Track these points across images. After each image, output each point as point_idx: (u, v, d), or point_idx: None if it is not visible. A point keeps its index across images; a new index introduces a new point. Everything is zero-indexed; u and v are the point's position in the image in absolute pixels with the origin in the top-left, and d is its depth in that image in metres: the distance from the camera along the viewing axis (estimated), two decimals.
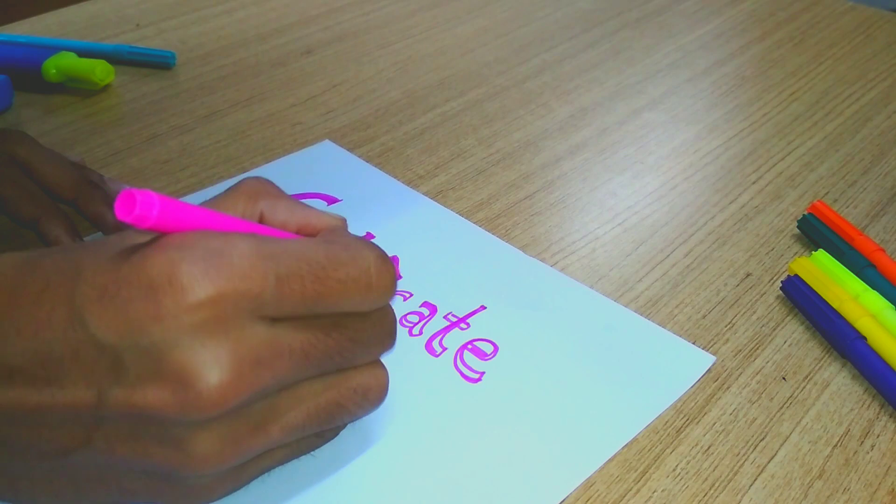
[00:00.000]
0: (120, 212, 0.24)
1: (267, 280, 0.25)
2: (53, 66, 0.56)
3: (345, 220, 0.31)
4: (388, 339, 0.30)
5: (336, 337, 0.27)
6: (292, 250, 0.26)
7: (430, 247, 0.44)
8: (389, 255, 0.41)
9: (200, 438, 0.25)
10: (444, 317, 0.39)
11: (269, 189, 0.31)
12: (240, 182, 0.31)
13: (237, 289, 0.25)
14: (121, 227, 0.42)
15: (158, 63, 0.60)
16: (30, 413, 0.25)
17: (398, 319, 0.39)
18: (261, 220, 0.30)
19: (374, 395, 0.29)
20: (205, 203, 0.29)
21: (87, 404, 0.25)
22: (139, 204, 0.24)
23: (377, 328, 0.29)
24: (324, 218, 0.31)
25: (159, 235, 0.26)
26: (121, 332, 0.24)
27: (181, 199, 0.26)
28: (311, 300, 0.26)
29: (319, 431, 0.29)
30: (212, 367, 0.24)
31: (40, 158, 0.43)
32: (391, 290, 0.28)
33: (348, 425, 0.32)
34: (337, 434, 0.32)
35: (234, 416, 0.26)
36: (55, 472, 0.27)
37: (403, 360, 0.37)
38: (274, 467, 0.30)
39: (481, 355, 0.37)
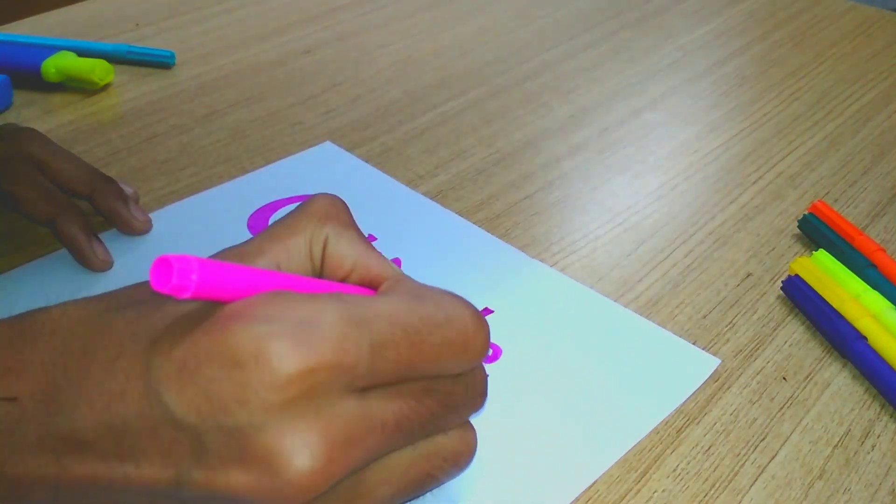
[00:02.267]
0: (156, 281, 0.22)
1: (361, 350, 0.23)
2: (53, 65, 0.56)
3: (401, 272, 0.29)
4: (480, 399, 0.28)
5: (429, 404, 0.26)
6: (384, 314, 0.24)
7: (431, 249, 0.44)
8: (392, 256, 0.42)
9: None
10: None
11: (339, 214, 0.29)
12: (312, 199, 0.29)
13: (330, 363, 0.23)
14: (133, 224, 0.44)
15: (158, 63, 0.60)
16: (103, 488, 0.24)
17: None
18: (324, 247, 0.28)
19: (464, 460, 0.28)
20: (275, 224, 0.28)
21: (166, 481, 0.23)
22: (176, 272, 0.21)
23: (469, 389, 0.27)
24: (385, 265, 0.28)
25: (240, 302, 0.24)
26: (202, 413, 0.22)
27: (216, 258, 0.24)
28: (406, 367, 0.24)
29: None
30: (302, 451, 0.22)
31: (54, 156, 0.43)
32: (486, 349, 0.27)
33: None
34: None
35: (322, 499, 0.24)
36: None
37: None
38: None
39: (486, 359, 0.37)
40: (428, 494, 0.31)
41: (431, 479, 0.27)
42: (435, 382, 0.26)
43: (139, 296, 0.26)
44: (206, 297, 0.23)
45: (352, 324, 0.23)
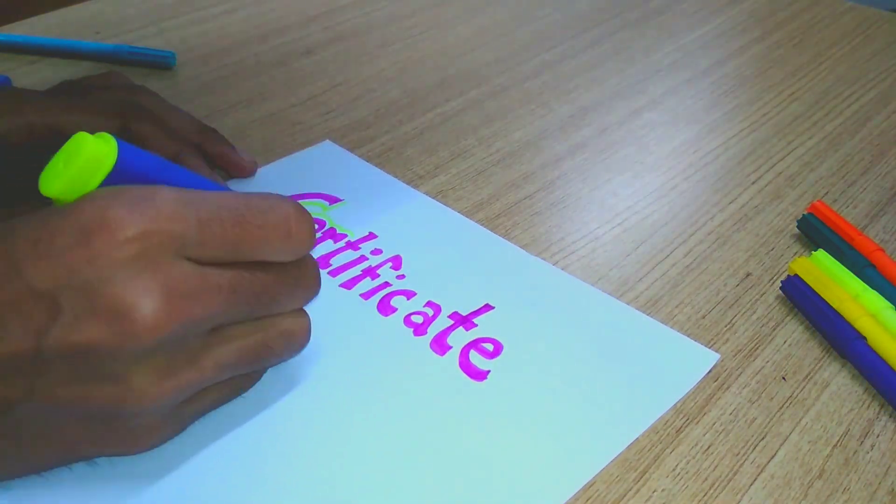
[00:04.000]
0: None
1: (189, 222, 0.27)
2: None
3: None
4: (312, 286, 0.32)
5: (261, 278, 0.30)
6: (213, 198, 0.29)
7: (433, 246, 0.44)
8: (393, 254, 0.42)
9: (139, 371, 0.27)
10: (449, 316, 0.39)
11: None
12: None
13: (162, 228, 0.27)
14: (243, 164, 0.48)
15: (158, 63, 0.60)
16: None
17: (403, 318, 0.39)
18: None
19: (299, 338, 0.32)
20: None
21: (27, 349, 0.26)
22: None
23: (300, 274, 0.31)
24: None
25: (88, 193, 0.28)
26: (56, 277, 0.26)
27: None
28: (232, 243, 0.28)
29: (248, 372, 0.32)
30: (144, 297, 0.26)
31: (166, 107, 0.48)
32: (310, 240, 0.30)
33: (366, 437, 0.33)
34: (261, 376, 0.34)
35: (168, 349, 0.27)
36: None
37: (408, 360, 0.37)
38: (207, 410, 0.32)
39: (486, 354, 0.37)
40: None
41: (269, 350, 0.31)
42: (267, 265, 0.30)
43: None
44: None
45: (181, 201, 0.28)
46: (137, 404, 0.27)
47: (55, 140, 0.44)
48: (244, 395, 0.34)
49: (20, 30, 0.65)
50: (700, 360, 0.38)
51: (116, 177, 0.28)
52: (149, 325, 0.26)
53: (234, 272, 0.29)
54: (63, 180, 0.27)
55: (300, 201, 0.46)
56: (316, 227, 0.30)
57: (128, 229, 0.26)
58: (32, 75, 0.59)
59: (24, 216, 0.28)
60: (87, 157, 0.28)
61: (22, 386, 0.27)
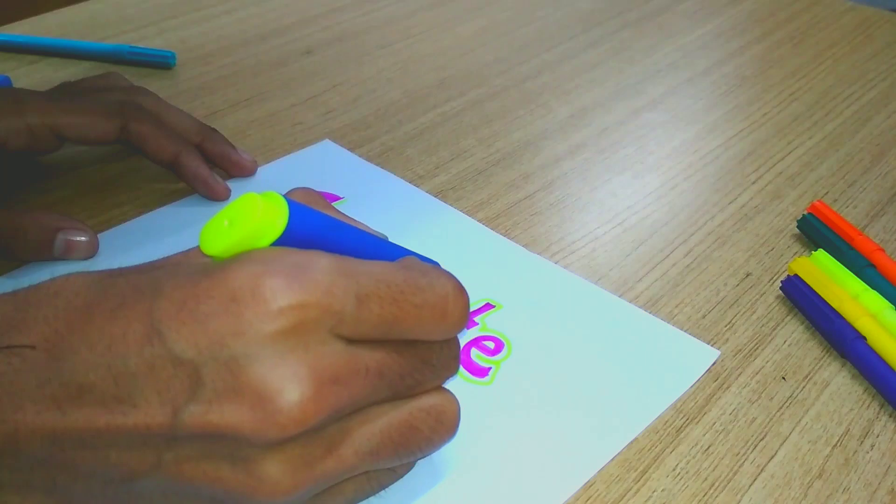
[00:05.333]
0: None
1: (348, 297, 0.25)
2: None
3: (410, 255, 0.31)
4: (455, 365, 0.29)
5: (409, 358, 0.27)
6: (373, 271, 0.26)
7: (434, 244, 0.44)
8: None
9: (274, 462, 0.24)
10: None
11: (317, 200, 0.31)
12: (290, 192, 0.30)
13: (319, 302, 0.24)
14: (244, 163, 0.48)
15: (158, 63, 0.61)
16: (99, 434, 0.24)
17: None
18: None
19: (448, 419, 0.29)
20: None
21: (161, 424, 0.24)
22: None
23: (445, 353, 0.28)
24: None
25: (239, 254, 0.25)
26: (200, 346, 0.24)
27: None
28: (388, 322, 0.26)
29: (392, 464, 0.28)
30: (292, 383, 0.24)
31: (166, 108, 0.48)
32: (465, 320, 0.28)
33: None
34: (410, 468, 0.31)
35: (307, 439, 0.25)
36: (117, 499, 0.26)
37: None
38: None
39: (488, 351, 0.37)
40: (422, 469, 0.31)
41: (415, 431, 0.28)
42: (416, 343, 0.27)
43: (142, 265, 0.27)
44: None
45: (341, 273, 0.25)
46: (269, 497, 0.25)
47: (55, 142, 0.44)
48: None
49: (20, 30, 0.65)
50: (700, 356, 0.38)
51: (288, 240, 0.26)
52: (295, 415, 0.24)
53: (384, 353, 0.26)
54: (227, 242, 0.25)
55: None
56: (469, 304, 0.28)
57: (282, 300, 0.24)
58: (32, 75, 0.59)
59: (171, 266, 0.26)
60: (257, 221, 0.25)
61: (149, 459, 0.25)
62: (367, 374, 0.26)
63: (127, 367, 0.24)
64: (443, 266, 0.42)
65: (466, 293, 0.28)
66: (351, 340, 0.26)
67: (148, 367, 0.24)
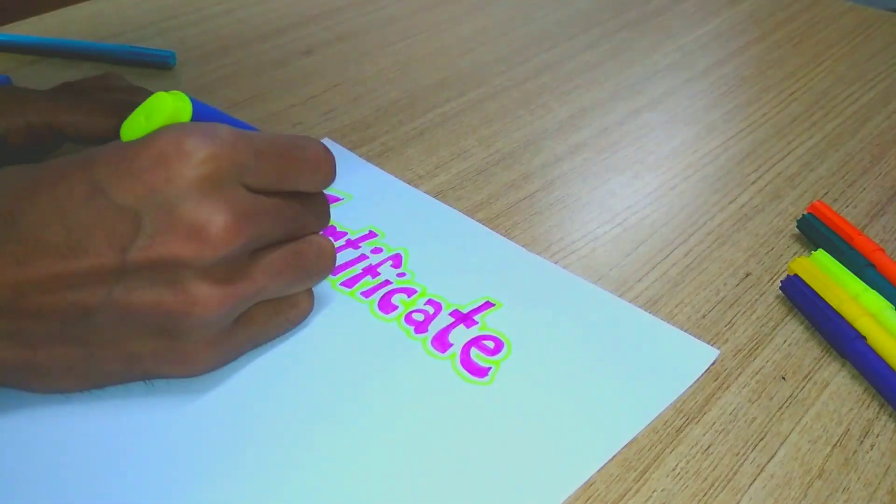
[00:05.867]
0: None
1: (249, 153, 0.31)
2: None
3: None
4: (326, 216, 0.36)
5: (295, 205, 0.34)
6: (264, 136, 0.33)
7: (434, 244, 0.44)
8: (393, 252, 0.43)
9: (204, 282, 0.30)
10: (450, 314, 0.39)
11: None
12: None
13: (229, 155, 0.31)
14: None
15: (158, 63, 0.60)
16: (57, 278, 0.29)
17: (404, 316, 0.39)
18: None
19: (327, 251, 0.36)
20: None
21: (111, 262, 0.29)
22: None
23: (320, 206, 0.36)
24: None
25: (159, 127, 0.31)
26: (138, 195, 0.29)
27: None
28: (280, 173, 0.33)
29: (291, 289, 0.35)
30: (216, 215, 0.30)
31: (134, 90, 0.49)
32: (334, 173, 0.35)
33: (367, 434, 0.34)
34: (305, 314, 0.37)
35: (229, 263, 0.31)
36: (72, 338, 0.31)
37: (409, 358, 0.37)
38: (255, 339, 0.35)
39: (487, 351, 0.37)
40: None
41: (304, 258, 0.35)
42: (297, 194, 0.34)
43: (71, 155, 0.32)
44: None
45: (241, 136, 0.32)
46: (201, 312, 0.31)
47: (55, 140, 0.44)
48: (250, 391, 0.34)
49: (20, 30, 0.65)
50: (700, 356, 0.38)
51: None
52: (222, 238, 0.30)
53: (277, 199, 0.33)
54: (145, 132, 0.31)
55: None
56: (335, 161, 0.35)
57: (200, 154, 0.30)
58: (32, 75, 0.59)
59: (98, 147, 0.31)
60: (169, 112, 0.32)
61: (102, 294, 0.30)
62: (268, 213, 0.32)
63: (77, 220, 0.29)
64: (443, 264, 0.42)
65: (331, 152, 0.35)
66: (253, 190, 0.32)
67: (95, 217, 0.29)
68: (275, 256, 0.34)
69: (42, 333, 0.30)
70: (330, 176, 0.35)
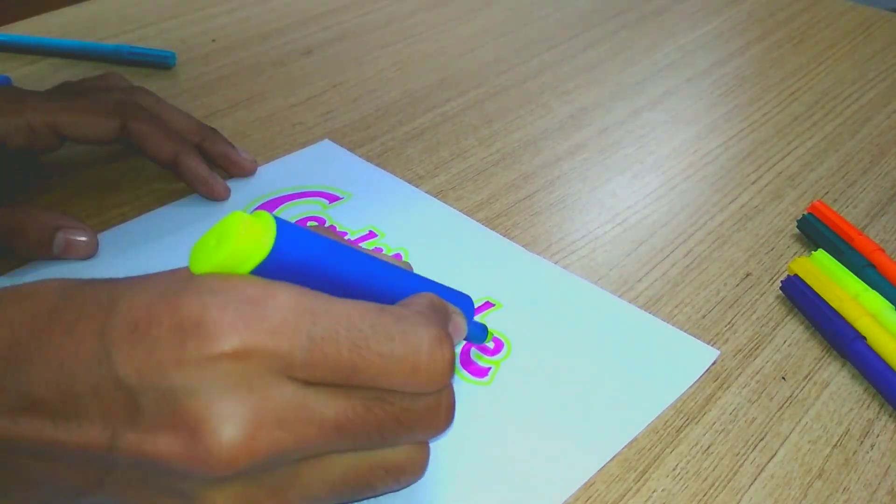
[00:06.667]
0: None
1: (299, 339, 0.24)
2: None
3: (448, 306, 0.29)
4: (441, 423, 0.27)
5: (378, 414, 0.25)
6: (336, 311, 0.24)
7: (434, 244, 0.44)
8: (393, 252, 0.42)
9: (213, 498, 0.24)
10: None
11: (324, 231, 0.30)
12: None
13: (266, 345, 0.23)
14: (244, 163, 0.48)
15: (158, 63, 0.61)
16: (47, 447, 0.24)
17: None
18: None
19: (407, 478, 0.27)
20: None
21: (100, 445, 0.24)
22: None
23: (429, 411, 0.26)
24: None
25: (198, 278, 0.24)
26: (142, 373, 0.23)
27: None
28: (347, 370, 0.24)
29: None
30: (227, 422, 0.23)
31: (165, 108, 0.48)
32: (445, 377, 0.26)
33: None
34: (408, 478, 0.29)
35: (250, 479, 0.24)
36: None
37: None
38: None
39: (488, 351, 0.37)
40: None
41: (369, 488, 0.27)
42: (389, 395, 0.25)
43: (118, 279, 0.26)
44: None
45: (298, 311, 0.24)
46: None
47: (55, 139, 0.44)
48: None
49: (20, 30, 0.65)
50: (700, 356, 0.38)
51: (276, 260, 0.25)
52: (224, 456, 0.23)
53: (346, 403, 0.25)
54: (214, 260, 0.24)
55: (300, 199, 0.47)
56: (457, 359, 0.26)
57: (225, 341, 0.23)
58: (32, 75, 0.59)
59: (134, 283, 0.25)
60: (241, 239, 0.24)
61: (93, 477, 0.25)
62: (322, 423, 0.24)
63: (74, 386, 0.24)
64: (443, 264, 0.42)
65: (450, 344, 0.26)
66: (310, 384, 0.24)
67: (93, 388, 0.23)
68: (325, 479, 0.26)
69: (34, 499, 0.26)
70: (436, 379, 0.25)
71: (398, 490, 0.28)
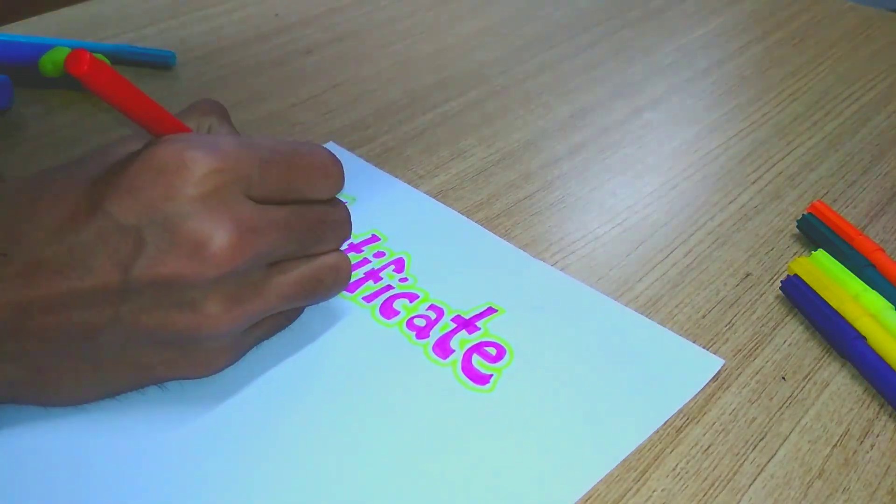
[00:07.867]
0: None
1: (253, 163, 0.30)
2: (50, 61, 0.56)
3: None
4: (346, 227, 0.35)
5: (309, 217, 0.33)
6: (266, 144, 0.32)
7: (436, 248, 0.44)
8: (396, 256, 0.43)
9: (213, 300, 0.30)
10: (452, 319, 0.39)
11: (219, 110, 0.37)
12: (196, 101, 0.37)
13: (232, 168, 0.30)
14: None
15: (158, 63, 0.61)
16: (61, 298, 0.29)
17: (406, 322, 0.39)
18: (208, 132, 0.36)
19: (343, 273, 0.35)
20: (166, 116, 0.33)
21: (115, 282, 0.29)
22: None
23: (337, 215, 0.34)
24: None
25: (156, 138, 0.30)
26: (139, 214, 0.28)
27: None
28: (286, 182, 0.32)
29: (301, 306, 0.35)
30: (219, 231, 0.29)
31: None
32: (342, 178, 0.34)
33: (369, 441, 0.34)
34: (299, 314, 0.37)
35: (237, 281, 0.30)
36: (79, 356, 0.30)
37: (411, 364, 0.37)
38: (263, 339, 0.35)
39: (489, 358, 0.37)
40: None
41: (319, 282, 0.34)
42: (311, 203, 0.33)
43: (70, 163, 0.32)
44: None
45: (244, 145, 0.31)
46: (212, 330, 0.30)
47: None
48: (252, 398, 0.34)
49: (20, 30, 0.65)
50: (704, 365, 0.38)
51: None
52: (224, 256, 0.29)
53: (288, 209, 0.32)
54: None
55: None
56: (343, 167, 0.34)
57: (201, 168, 0.29)
58: None
59: (96, 160, 0.31)
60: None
61: (108, 314, 0.29)
62: (278, 226, 0.31)
63: (79, 240, 0.29)
64: (445, 269, 0.42)
65: (339, 159, 0.34)
66: (260, 201, 0.31)
67: (97, 237, 0.29)
68: (289, 278, 0.33)
69: (49, 353, 0.30)
70: (339, 181, 0.34)
71: (339, 288, 0.35)
